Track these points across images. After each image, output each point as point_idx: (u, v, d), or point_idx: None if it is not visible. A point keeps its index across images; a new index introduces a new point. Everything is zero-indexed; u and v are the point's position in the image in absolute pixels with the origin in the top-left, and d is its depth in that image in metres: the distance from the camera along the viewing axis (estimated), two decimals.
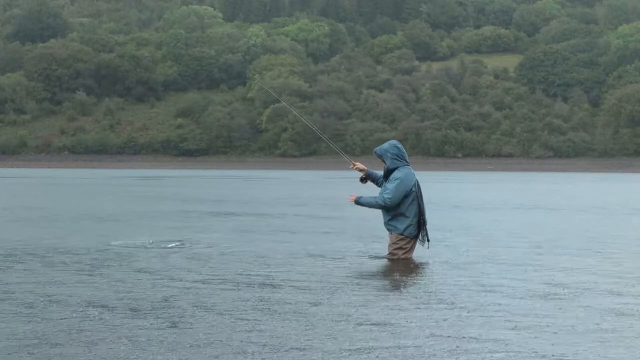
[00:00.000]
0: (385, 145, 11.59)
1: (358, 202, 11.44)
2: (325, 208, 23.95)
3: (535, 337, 6.65)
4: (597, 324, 7.20)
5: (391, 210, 11.24)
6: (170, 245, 13.14)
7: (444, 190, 38.69)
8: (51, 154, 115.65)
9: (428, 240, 11.46)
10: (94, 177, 60.25)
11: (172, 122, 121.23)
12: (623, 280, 9.92)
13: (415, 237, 11.40)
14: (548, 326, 7.10)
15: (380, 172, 11.84)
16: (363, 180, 11.95)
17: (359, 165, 11.82)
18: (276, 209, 23.15)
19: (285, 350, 6.14)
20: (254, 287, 9.14)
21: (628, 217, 21.61)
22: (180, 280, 9.54)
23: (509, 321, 7.29)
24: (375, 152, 11.60)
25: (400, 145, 11.55)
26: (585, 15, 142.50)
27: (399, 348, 6.25)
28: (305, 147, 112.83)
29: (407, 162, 11.44)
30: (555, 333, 6.83)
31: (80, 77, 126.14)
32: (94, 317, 7.34)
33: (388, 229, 11.43)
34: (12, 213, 21.23)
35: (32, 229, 16.49)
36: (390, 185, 11.21)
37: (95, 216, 19.98)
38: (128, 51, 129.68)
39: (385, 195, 11.16)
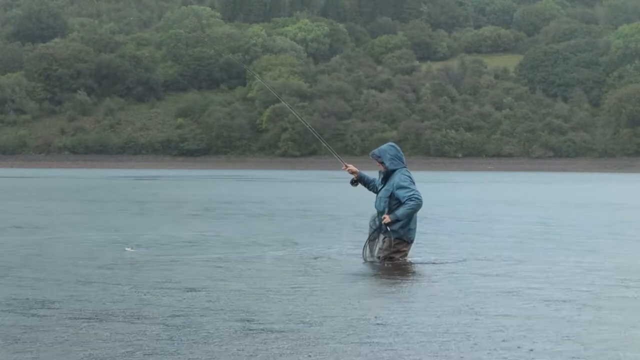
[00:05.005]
0: (384, 146, 11.60)
1: (396, 218, 11.04)
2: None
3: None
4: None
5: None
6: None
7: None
8: (51, 154, 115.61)
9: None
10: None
11: (172, 122, 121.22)
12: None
13: (412, 242, 11.40)
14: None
15: (371, 176, 11.78)
16: (354, 182, 11.87)
17: (351, 167, 11.77)
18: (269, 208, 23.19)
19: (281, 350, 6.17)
20: (243, 293, 9.14)
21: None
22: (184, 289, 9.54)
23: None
24: (372, 154, 11.53)
25: (398, 147, 11.59)
26: (585, 15, 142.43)
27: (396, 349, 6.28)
28: (306, 147, 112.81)
29: (404, 164, 11.43)
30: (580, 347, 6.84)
31: (81, 77, 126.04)
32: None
33: (384, 233, 11.33)
34: None
35: None
36: (406, 185, 11.10)
37: None
38: (128, 51, 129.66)
39: (415, 194, 11.06)
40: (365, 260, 11.31)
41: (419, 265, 11.24)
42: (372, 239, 11.33)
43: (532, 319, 7.58)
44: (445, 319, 7.54)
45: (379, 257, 11.35)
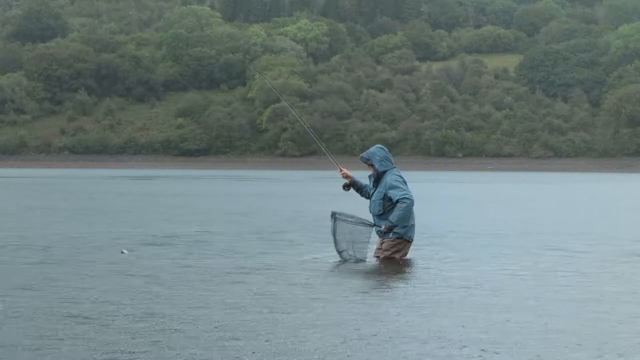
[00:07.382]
0: (372, 149, 11.74)
1: (392, 224, 11.13)
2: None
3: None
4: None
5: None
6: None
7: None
8: (51, 154, 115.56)
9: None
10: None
11: (173, 122, 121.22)
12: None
13: (412, 240, 11.44)
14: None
15: (365, 182, 11.79)
16: (346, 187, 11.83)
17: (346, 171, 11.76)
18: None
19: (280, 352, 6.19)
20: (248, 293, 9.17)
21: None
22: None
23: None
24: (362, 157, 11.64)
25: (386, 149, 11.71)
26: (585, 15, 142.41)
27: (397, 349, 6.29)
28: (305, 147, 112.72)
29: (393, 164, 11.52)
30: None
31: (81, 77, 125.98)
32: None
33: (384, 235, 11.36)
34: None
35: None
36: (398, 185, 11.15)
37: None
38: (128, 51, 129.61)
39: (406, 194, 11.07)
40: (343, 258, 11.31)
41: (416, 264, 11.25)
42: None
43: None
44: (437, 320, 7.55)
45: (377, 257, 11.42)
